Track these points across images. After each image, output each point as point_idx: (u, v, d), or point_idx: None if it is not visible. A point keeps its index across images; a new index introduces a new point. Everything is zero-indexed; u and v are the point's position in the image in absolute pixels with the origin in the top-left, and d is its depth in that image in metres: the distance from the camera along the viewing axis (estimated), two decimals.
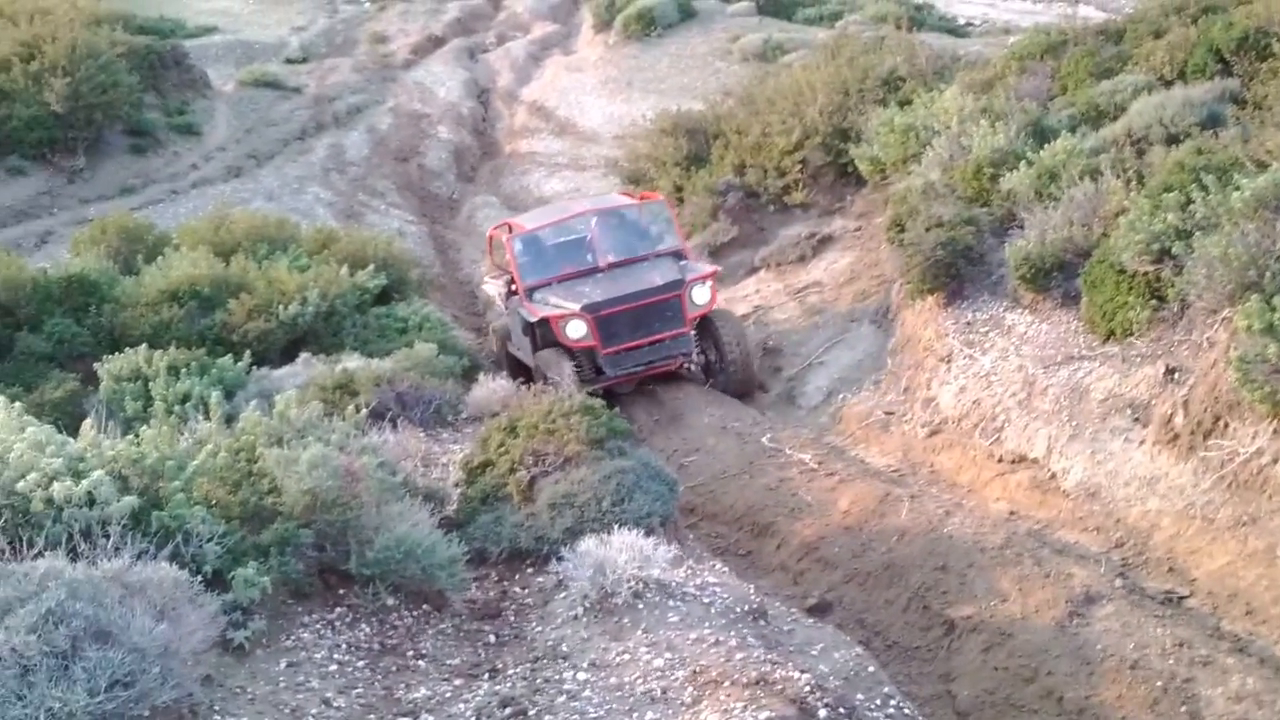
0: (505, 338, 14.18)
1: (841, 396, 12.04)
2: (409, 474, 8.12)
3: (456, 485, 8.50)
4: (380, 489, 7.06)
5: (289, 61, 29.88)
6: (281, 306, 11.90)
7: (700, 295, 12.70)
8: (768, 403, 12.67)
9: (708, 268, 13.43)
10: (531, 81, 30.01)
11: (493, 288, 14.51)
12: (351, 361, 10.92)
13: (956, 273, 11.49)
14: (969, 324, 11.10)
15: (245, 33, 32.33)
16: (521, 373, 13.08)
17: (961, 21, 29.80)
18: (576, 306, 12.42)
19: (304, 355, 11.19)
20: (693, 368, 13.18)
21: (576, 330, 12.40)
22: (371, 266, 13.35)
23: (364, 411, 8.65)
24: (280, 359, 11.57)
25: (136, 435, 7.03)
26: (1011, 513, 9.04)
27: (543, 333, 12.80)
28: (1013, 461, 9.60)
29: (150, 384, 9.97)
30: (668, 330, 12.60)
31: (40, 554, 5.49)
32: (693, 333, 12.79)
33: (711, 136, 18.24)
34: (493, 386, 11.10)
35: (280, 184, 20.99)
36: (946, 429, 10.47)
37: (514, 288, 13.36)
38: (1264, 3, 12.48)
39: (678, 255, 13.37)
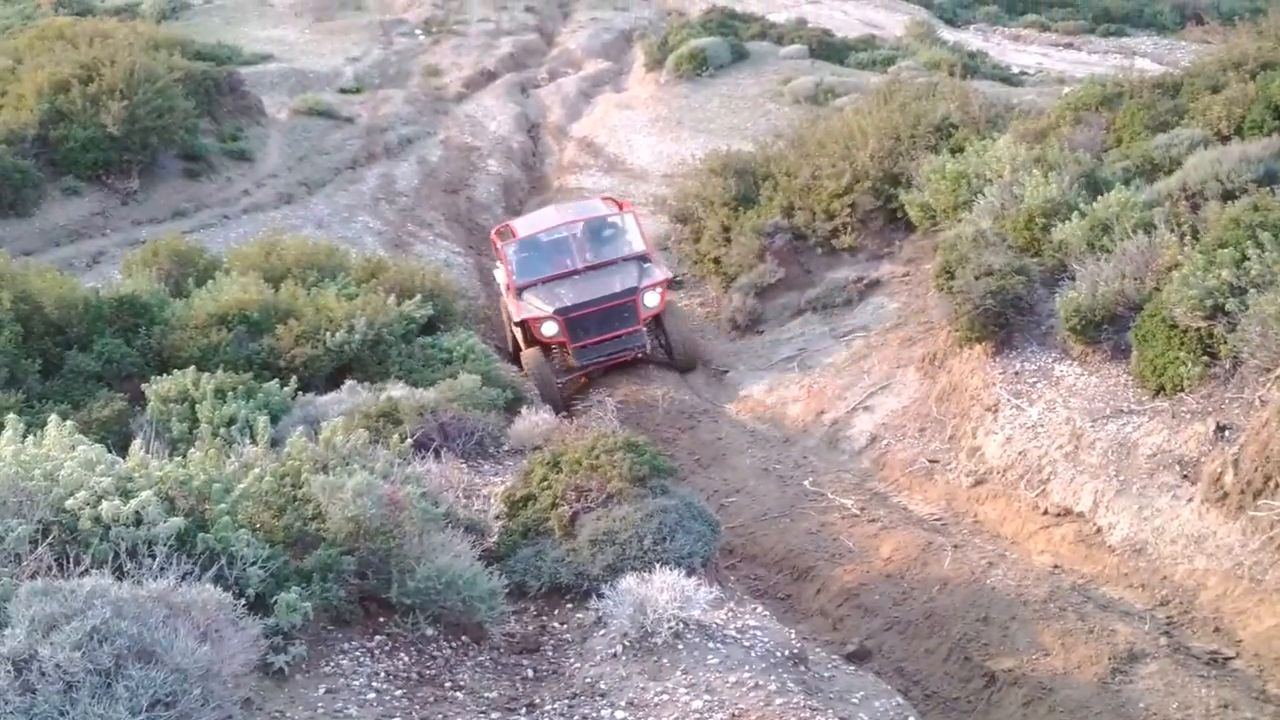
0: (509, 318, 16.20)
1: (885, 442, 11.95)
2: (451, 505, 8.11)
3: (498, 518, 8.50)
4: (423, 519, 7.06)
5: (343, 91, 30.19)
6: (328, 333, 11.94)
7: (651, 299, 15.11)
8: (810, 446, 12.59)
9: (662, 274, 15.63)
10: (582, 117, 30.19)
11: (500, 275, 16.64)
12: (396, 390, 10.93)
13: (1005, 322, 11.41)
14: (1017, 374, 11.01)
15: (300, 61, 32.70)
16: (518, 347, 15.68)
17: (1015, 70, 29.71)
18: (550, 310, 14.82)
19: (349, 383, 11.19)
20: (644, 353, 15.23)
21: (550, 329, 14.85)
22: (418, 296, 13.38)
23: (408, 441, 8.67)
24: (325, 386, 11.60)
25: (184, 457, 7.07)
26: (1055, 566, 8.93)
27: (525, 330, 15.15)
28: (1058, 514, 9.48)
29: (197, 406, 10.03)
30: (625, 328, 14.93)
31: (87, 572, 5.52)
32: (644, 329, 15.06)
33: (761, 178, 18.24)
34: (535, 420, 11.09)
35: (330, 212, 21.16)
36: (991, 479, 10.37)
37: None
38: None
39: (643, 259, 15.66)
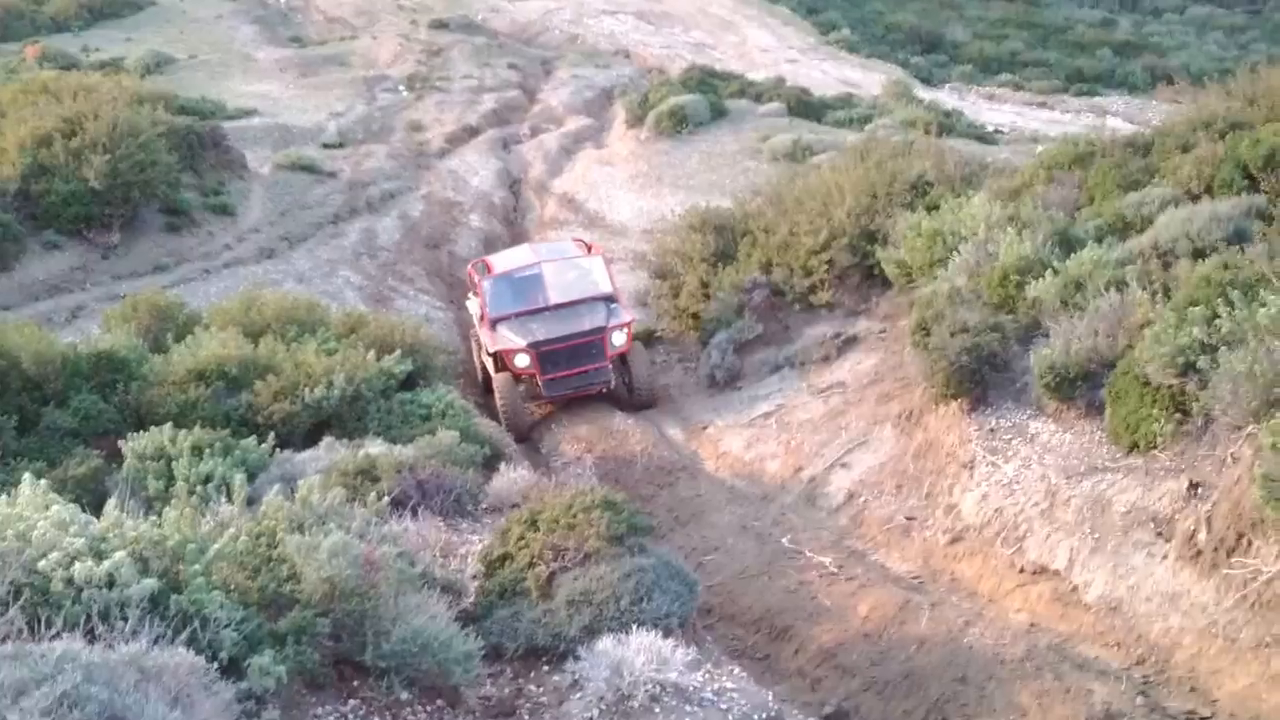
0: (479, 346, 17.28)
1: (863, 499, 11.98)
2: (427, 565, 8.10)
3: (474, 578, 8.47)
4: (399, 579, 7.04)
5: (326, 146, 30.23)
6: (307, 389, 11.90)
7: (618, 338, 16.08)
8: (789, 503, 12.60)
9: (629, 316, 16.62)
10: (563, 173, 30.32)
11: (473, 306, 17.73)
12: (374, 447, 10.89)
13: (981, 379, 11.50)
14: (992, 431, 11.08)
15: (284, 116, 32.79)
16: (486, 376, 16.78)
17: (990, 129, 30.02)
18: (524, 343, 15.74)
19: (327, 439, 11.16)
20: (609, 388, 16.15)
21: (522, 361, 15.79)
22: (398, 352, 13.37)
23: (385, 499, 8.65)
24: (304, 442, 11.54)
25: (158, 516, 7.04)
26: (1032, 625, 8.95)
27: (496, 360, 16.08)
28: (1034, 572, 9.51)
29: (174, 463, 9.98)
30: (592, 364, 15.92)
31: (58, 635, 5.48)
32: (610, 365, 16.01)
33: (739, 234, 18.35)
34: (513, 477, 11.09)
35: (312, 266, 21.16)
36: (968, 536, 10.40)
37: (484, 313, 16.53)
38: None
39: (610, 299, 16.56)
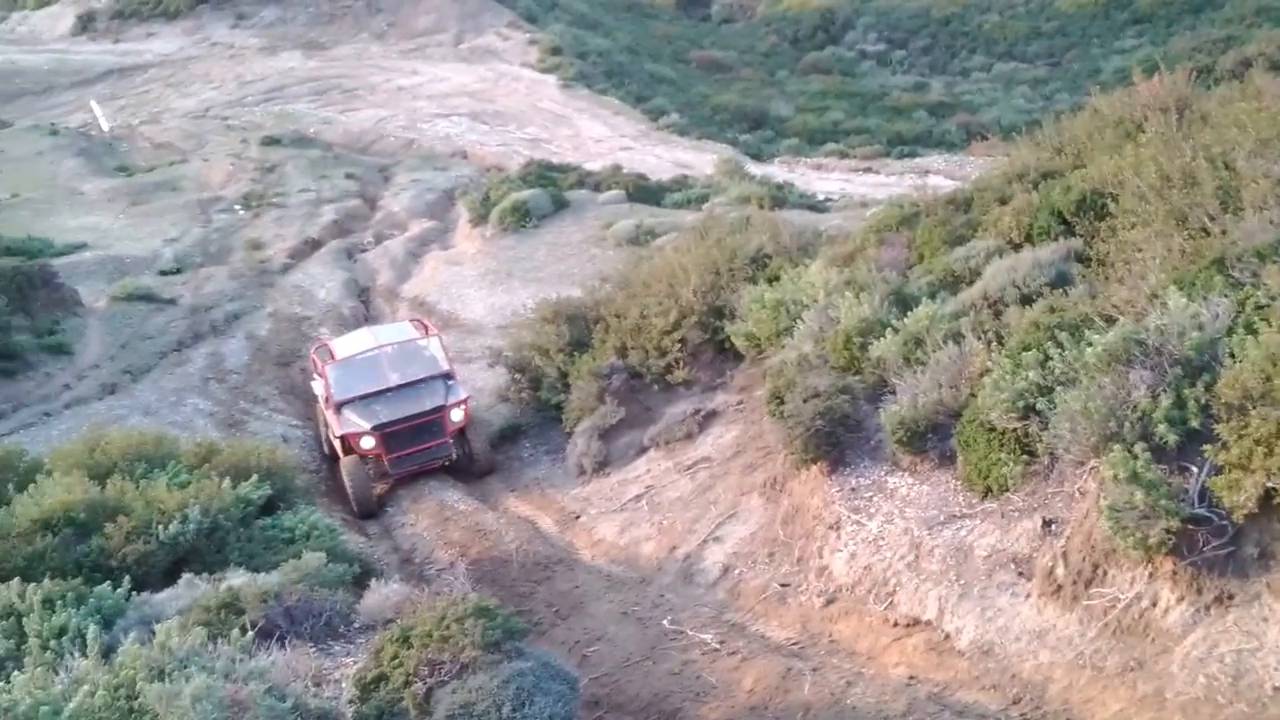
0: (325, 425, 18.24)
1: (738, 571, 12.06)
2: (299, 696, 7.85)
3: (351, 702, 8.25)
4: (269, 717, 6.84)
5: (163, 273, 29.62)
6: (161, 526, 11.56)
7: (456, 415, 17.28)
8: (666, 584, 12.60)
9: (465, 393, 17.78)
10: (412, 278, 30.22)
11: (318, 387, 18.48)
12: (237, 578, 10.58)
13: (837, 441, 11.74)
14: (853, 490, 11.29)
15: (116, 248, 32.02)
16: (333, 450, 17.77)
17: (821, 197, 30.88)
18: (368, 426, 16.76)
19: (186, 576, 10.82)
20: (451, 461, 17.27)
21: (368, 443, 16.85)
22: (255, 477, 13.08)
23: (250, 634, 8.41)
24: (162, 581, 11.15)
25: (8, 680, 6.74)
26: (911, 678, 9.08)
27: (344, 443, 16.99)
28: (907, 625, 9.68)
29: (24, 620, 9.56)
30: (434, 441, 17.07)
31: None
32: (451, 441, 17.15)
33: (592, 321, 18.52)
34: (385, 592, 10.85)
35: (158, 398, 20.72)
36: (842, 597, 10.54)
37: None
38: (1096, 167, 13.25)
39: (448, 377, 17.69)
